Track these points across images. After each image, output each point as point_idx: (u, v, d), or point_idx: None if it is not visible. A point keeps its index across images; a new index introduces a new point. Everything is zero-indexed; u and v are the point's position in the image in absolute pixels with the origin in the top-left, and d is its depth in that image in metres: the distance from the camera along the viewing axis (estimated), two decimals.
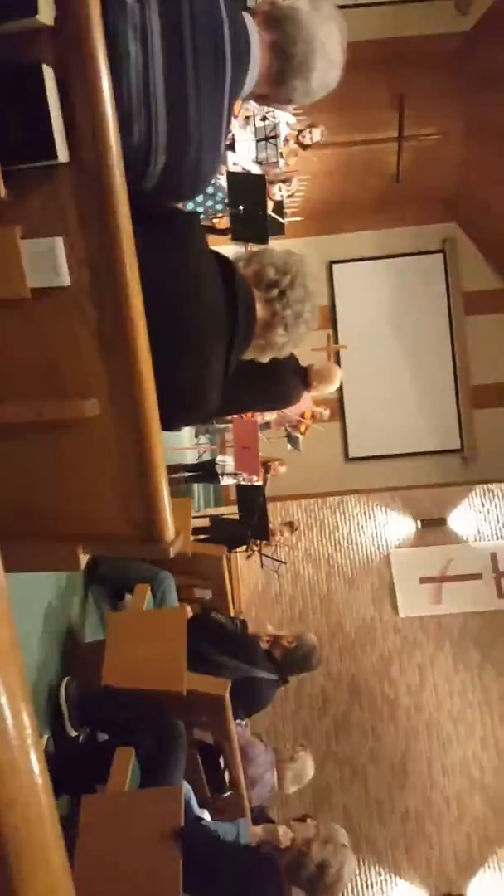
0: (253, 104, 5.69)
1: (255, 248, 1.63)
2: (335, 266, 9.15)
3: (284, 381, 4.00)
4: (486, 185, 8.26)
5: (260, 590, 7.77)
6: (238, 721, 2.75)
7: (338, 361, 8.99)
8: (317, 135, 6.09)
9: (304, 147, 6.11)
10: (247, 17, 1.25)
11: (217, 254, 1.44)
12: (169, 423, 1.37)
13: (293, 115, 7.25)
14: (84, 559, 1.14)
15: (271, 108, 5.93)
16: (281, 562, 6.18)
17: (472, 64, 7.97)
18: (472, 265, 9.01)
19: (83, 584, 3.12)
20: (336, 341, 8.96)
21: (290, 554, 7.89)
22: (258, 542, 5.92)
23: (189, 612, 2.84)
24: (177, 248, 1.32)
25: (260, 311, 1.47)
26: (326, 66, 1.30)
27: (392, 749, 7.21)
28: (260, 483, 5.58)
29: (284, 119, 5.93)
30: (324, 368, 4.05)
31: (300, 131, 6.04)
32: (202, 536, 5.96)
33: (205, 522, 6.49)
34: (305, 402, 6.82)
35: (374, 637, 7.60)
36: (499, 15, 7.58)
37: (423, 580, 7.85)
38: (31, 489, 1.16)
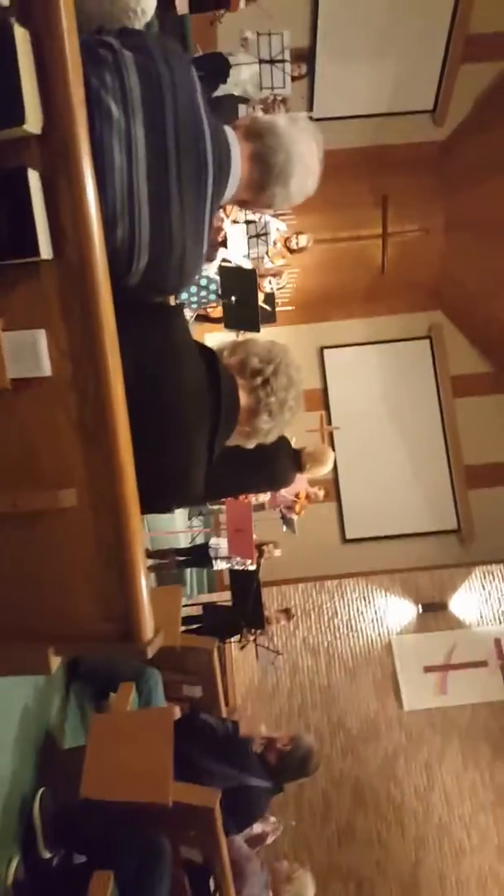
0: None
1: (240, 338, 1.66)
2: (326, 351, 9.39)
3: (277, 463, 4.00)
4: (467, 275, 8.63)
5: (256, 684, 7.46)
6: (229, 835, 2.53)
7: (332, 442, 9.06)
8: (303, 241, 6.44)
9: (291, 251, 6.41)
10: (228, 129, 1.34)
11: (200, 344, 1.48)
12: (152, 508, 1.37)
13: (283, 220, 7.70)
14: (56, 662, 1.07)
15: (262, 213, 6.28)
16: (277, 652, 5.96)
17: (449, 168, 8.56)
18: (458, 350, 9.26)
19: (64, 681, 2.94)
20: (329, 423, 9.07)
21: (287, 643, 7.64)
22: (253, 631, 5.73)
23: (177, 712, 2.68)
24: (160, 339, 1.35)
25: (244, 398, 1.50)
26: (304, 174, 1.38)
27: (401, 860, 6.70)
28: (254, 567, 5.47)
29: (275, 224, 6.25)
30: (317, 451, 4.05)
31: (288, 237, 6.35)
32: (194, 626, 5.78)
33: (198, 611, 6.32)
34: (300, 483, 6.81)
35: (378, 733, 7.24)
36: (470, 127, 8.26)
37: (428, 669, 7.58)
38: (1, 583, 1.11)
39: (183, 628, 5.65)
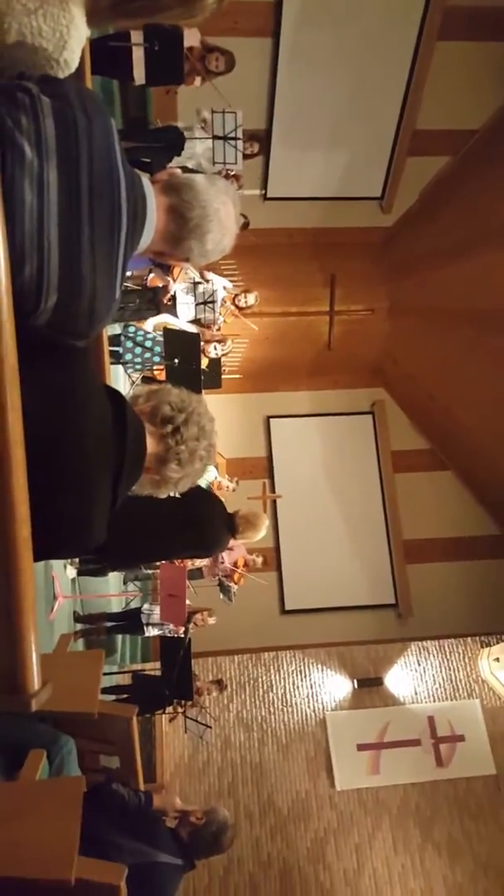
0: (191, 270, 6.17)
1: (155, 386, 1.65)
2: (272, 420, 9.51)
3: (210, 525, 3.94)
4: (409, 356, 9.01)
5: (186, 759, 7.10)
6: None
7: (274, 511, 9.07)
8: (251, 299, 6.58)
9: (240, 309, 6.56)
10: (145, 181, 1.39)
11: (109, 388, 1.47)
12: (47, 554, 1.34)
13: (231, 281, 7.93)
14: None
15: (210, 276, 6.44)
16: (206, 726, 5.70)
17: (395, 253, 9.05)
18: (399, 426, 9.52)
19: None
20: (273, 491, 9.09)
21: (220, 717, 7.35)
22: (182, 703, 5.49)
23: (84, 783, 2.49)
24: (65, 379, 1.34)
25: (153, 446, 1.49)
26: (221, 231, 1.44)
27: None
28: (185, 635, 5.29)
29: (221, 284, 6.41)
30: (250, 514, 4.02)
31: (236, 295, 6.52)
32: (123, 696, 5.51)
33: (129, 680, 6.04)
34: (239, 550, 6.74)
35: (309, 813, 6.95)
36: (415, 216, 8.79)
37: (361, 747, 7.39)
38: None
39: (111, 697, 5.40)
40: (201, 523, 3.94)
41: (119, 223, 1.27)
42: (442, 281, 8.31)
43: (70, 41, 1.27)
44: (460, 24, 7.46)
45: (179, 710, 5.65)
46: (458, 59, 7.67)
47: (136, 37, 4.88)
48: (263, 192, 8.46)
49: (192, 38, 5.26)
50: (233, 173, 6.11)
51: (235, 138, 5.80)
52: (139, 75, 4.93)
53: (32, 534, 1.14)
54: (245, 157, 6.12)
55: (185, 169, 5.91)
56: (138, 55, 4.88)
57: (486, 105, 7.89)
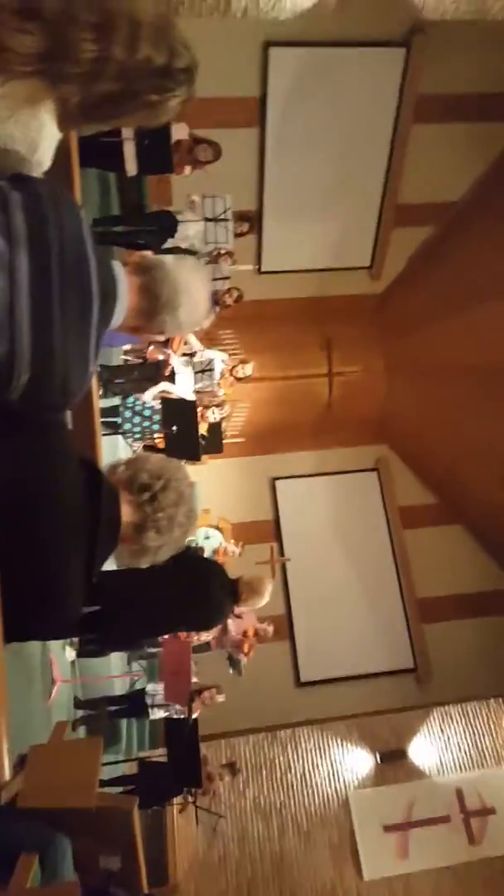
0: (193, 340, 6.31)
1: (133, 455, 1.65)
2: (277, 482, 9.46)
3: (210, 593, 3.82)
4: (408, 412, 9.06)
5: (201, 855, 6.65)
6: None
7: (284, 575, 8.90)
8: (248, 369, 6.71)
9: (238, 380, 6.68)
10: (115, 263, 1.46)
11: (84, 459, 1.49)
12: (25, 632, 1.36)
13: (230, 351, 8.08)
14: None
15: (208, 353, 6.59)
16: (218, 815, 5.37)
17: (386, 317, 9.29)
18: (404, 482, 9.46)
19: None
20: (282, 554, 8.94)
21: (235, 805, 6.95)
22: (192, 791, 5.18)
23: (78, 890, 2.31)
24: (37, 449, 1.36)
25: (130, 514, 1.48)
26: (192, 304, 1.53)
27: None
28: (192, 716, 5.05)
29: (219, 357, 6.54)
30: (253, 580, 3.89)
31: (233, 367, 6.64)
32: (128, 787, 5.21)
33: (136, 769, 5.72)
34: (248, 619, 6.54)
35: None
36: (404, 282, 9.06)
37: (388, 829, 6.95)
38: None
39: (117, 790, 5.10)
40: (201, 592, 3.83)
41: (90, 304, 1.32)
42: (433, 339, 8.46)
43: (41, 143, 1.33)
44: (434, 108, 7.91)
45: (189, 799, 5.33)
46: (433, 139, 8.11)
47: (127, 132, 5.16)
48: (257, 266, 8.73)
49: (180, 131, 5.57)
50: (224, 251, 6.35)
51: (226, 220, 6.06)
52: (131, 167, 5.19)
53: (4, 608, 1.11)
54: (236, 235, 6.38)
55: (179, 249, 6.16)
56: (129, 149, 5.14)
57: (462, 179, 8.31)
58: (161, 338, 1.66)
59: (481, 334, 7.82)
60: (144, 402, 5.39)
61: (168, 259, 1.53)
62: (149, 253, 1.61)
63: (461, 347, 8.11)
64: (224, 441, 7.14)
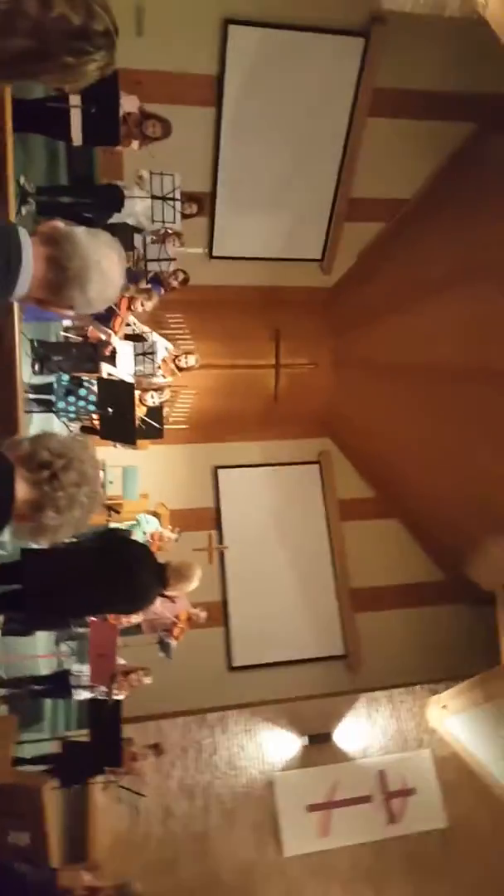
0: (133, 320, 6.22)
1: (36, 433, 1.63)
2: (220, 471, 9.46)
3: (138, 577, 3.83)
4: (352, 407, 9.18)
5: (124, 834, 6.69)
6: None
7: (222, 563, 8.94)
8: (192, 360, 6.68)
9: (181, 370, 6.64)
10: (22, 231, 1.42)
11: None
12: None
13: (178, 341, 8.02)
14: None
15: (153, 336, 6.51)
16: (140, 794, 5.41)
17: (335, 311, 9.36)
18: (345, 475, 9.60)
19: None
20: (221, 542, 8.97)
21: (161, 785, 7.00)
22: (115, 770, 5.20)
23: None
24: None
25: (26, 491, 1.46)
26: (103, 282, 1.48)
27: None
28: (117, 697, 5.06)
29: (163, 345, 6.48)
30: (181, 565, 3.92)
31: (177, 356, 6.59)
32: (51, 766, 5.19)
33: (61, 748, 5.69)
34: (182, 603, 6.56)
35: (255, 888, 6.58)
36: (354, 277, 9.15)
37: (311, 808, 7.14)
38: None
39: (40, 768, 5.07)
40: (128, 575, 3.82)
41: None
42: (380, 335, 8.59)
43: None
44: (389, 102, 7.97)
45: (112, 778, 5.35)
46: (388, 135, 8.17)
47: (74, 99, 5.03)
48: (207, 250, 8.66)
49: (130, 103, 5.47)
50: (172, 232, 6.28)
51: (174, 199, 5.99)
52: (76, 136, 5.07)
53: None
54: (184, 216, 6.31)
55: (124, 226, 6.06)
56: (76, 117, 5.02)
57: (416, 176, 8.45)
58: (71, 313, 1.63)
59: (426, 333, 7.99)
60: (81, 381, 5.30)
61: (80, 231, 1.48)
62: (61, 223, 1.56)
63: (407, 345, 8.26)
64: (166, 427, 7.11)
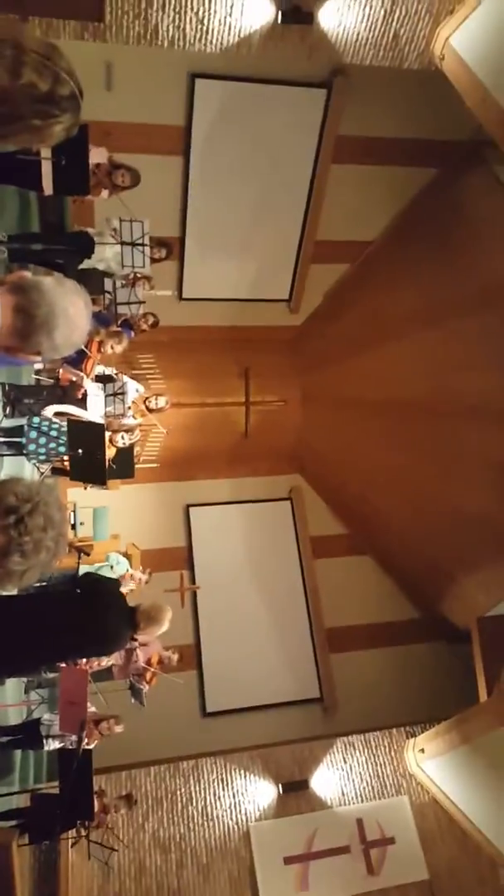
0: (101, 368, 6.25)
1: (2, 478, 1.63)
2: (192, 509, 9.41)
3: (107, 621, 3.76)
4: (322, 444, 9.29)
5: (96, 891, 6.40)
6: None
7: (194, 603, 8.82)
8: (162, 402, 6.73)
9: (151, 411, 6.68)
10: None
11: None
12: None
13: (148, 383, 8.06)
14: None
15: (123, 378, 6.55)
16: (111, 849, 5.20)
17: (304, 349, 9.54)
18: (317, 512, 9.62)
19: None
20: (193, 582, 8.88)
21: (134, 838, 6.74)
22: (85, 824, 5.01)
23: None
24: None
25: None
26: (69, 328, 1.52)
27: None
28: (89, 746, 4.90)
29: (133, 386, 6.52)
30: (152, 609, 3.86)
31: (147, 398, 6.63)
32: (20, 821, 4.99)
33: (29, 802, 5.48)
34: (154, 646, 6.44)
35: None
36: (320, 316, 9.38)
37: (288, 860, 6.90)
38: None
39: (2, 823, 4.87)
40: (97, 619, 3.76)
41: None
42: (348, 373, 8.76)
43: None
44: (352, 149, 8.28)
45: (82, 833, 5.14)
46: (352, 180, 8.47)
47: (45, 151, 5.15)
48: (177, 293, 8.80)
49: (99, 155, 5.62)
50: (141, 276, 6.39)
51: (143, 244, 6.11)
52: (47, 186, 5.17)
53: None
54: (153, 260, 6.44)
55: (95, 271, 6.15)
56: (47, 168, 5.13)
57: (378, 220, 8.76)
58: (38, 359, 1.66)
59: (395, 370, 8.18)
60: (52, 423, 5.28)
61: (47, 280, 1.52)
62: (27, 273, 1.59)
63: (375, 382, 8.44)
64: (137, 466, 7.09)
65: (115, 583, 4.58)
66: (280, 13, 5.30)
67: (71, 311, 1.50)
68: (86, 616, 3.70)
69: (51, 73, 1.32)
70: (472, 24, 5.32)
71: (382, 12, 5.45)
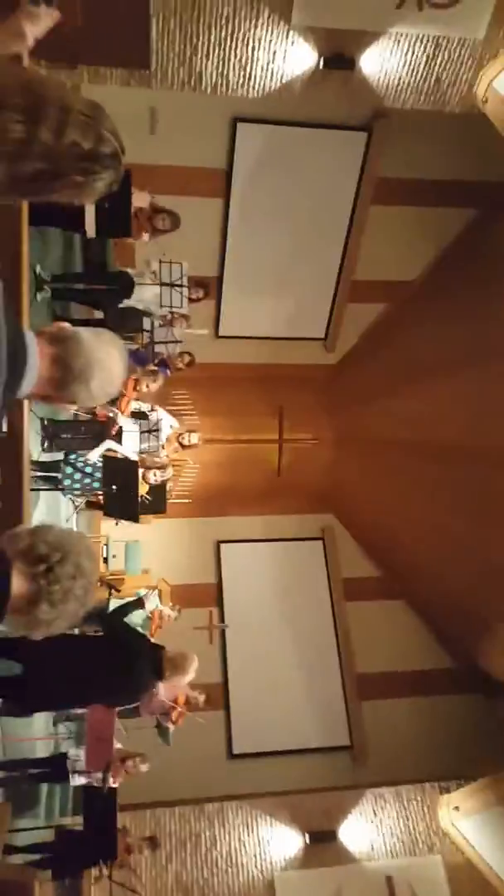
0: (137, 404, 6.36)
1: (35, 525, 1.66)
2: (223, 545, 9.39)
3: (133, 671, 3.76)
4: (355, 484, 9.20)
5: None
6: None
7: (223, 641, 8.74)
8: (194, 438, 6.81)
9: (184, 447, 6.76)
10: (28, 332, 1.51)
11: None
12: None
13: (182, 418, 8.16)
14: None
15: (156, 408, 6.65)
16: (135, 892, 5.09)
17: (338, 388, 9.56)
18: (349, 553, 9.50)
19: None
20: (222, 620, 8.80)
21: (157, 879, 6.59)
22: (108, 863, 4.94)
23: None
24: None
25: (21, 585, 1.47)
26: (105, 378, 1.57)
27: None
28: (114, 785, 4.85)
29: (168, 422, 6.61)
30: (178, 657, 3.84)
31: (180, 434, 6.72)
32: (41, 856, 4.94)
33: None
34: (181, 686, 6.37)
35: None
36: (356, 356, 9.38)
37: None
38: None
39: (26, 857, 4.82)
40: (125, 668, 3.76)
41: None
42: (382, 413, 8.71)
43: None
44: (391, 191, 8.38)
45: (105, 872, 5.06)
46: (390, 220, 8.56)
47: None
48: (214, 331, 8.94)
49: (141, 199, 5.81)
50: (179, 315, 6.54)
51: (181, 285, 6.27)
52: (90, 229, 5.36)
53: None
54: (191, 301, 6.58)
55: (134, 310, 6.30)
56: (90, 212, 5.32)
57: (415, 261, 8.78)
58: (73, 407, 1.70)
59: (427, 413, 8.10)
60: (87, 460, 5.38)
61: (84, 332, 1.57)
62: (66, 325, 1.64)
63: (408, 424, 8.36)
64: (169, 501, 7.13)
65: (142, 636, 4.57)
66: (322, 59, 5.40)
67: (107, 362, 1.55)
68: (113, 667, 3.72)
69: (94, 132, 1.38)
70: None
71: (425, 58, 5.52)
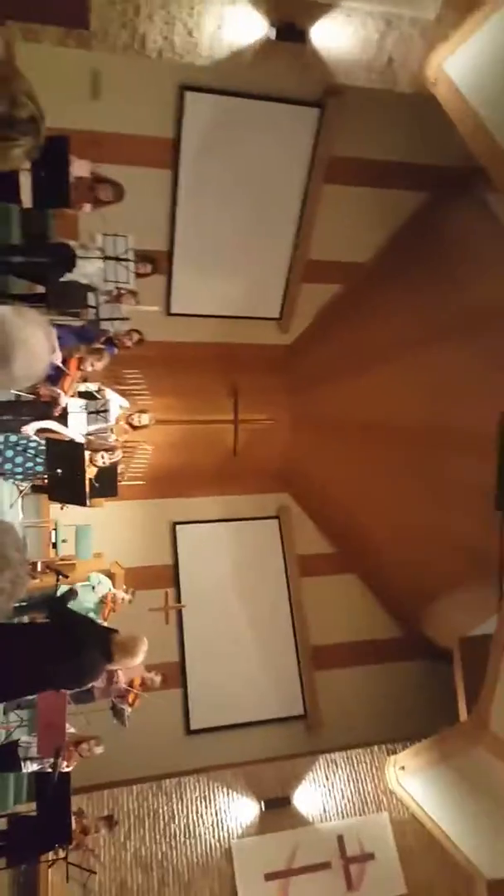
0: (85, 385, 6.19)
1: None
2: (178, 526, 9.35)
3: (81, 655, 3.71)
4: (310, 463, 9.26)
5: None
6: None
7: (180, 621, 8.77)
8: (145, 419, 6.65)
9: (134, 428, 6.61)
10: None
11: None
12: None
13: (133, 395, 8.00)
14: None
15: (104, 388, 6.48)
16: (90, 871, 5.15)
17: (294, 368, 9.54)
18: (304, 530, 9.60)
19: None
20: (179, 601, 8.81)
21: (116, 858, 6.69)
22: (63, 846, 4.97)
23: None
24: None
25: None
26: (28, 358, 1.50)
27: None
28: (64, 769, 4.86)
29: (118, 402, 6.43)
30: (127, 640, 3.80)
31: (130, 414, 6.56)
32: None
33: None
34: (136, 669, 6.38)
35: None
36: (311, 336, 9.36)
37: (269, 876, 6.91)
38: None
39: None
40: (70, 652, 3.71)
41: None
42: (337, 394, 8.75)
43: None
44: (345, 171, 8.27)
45: (60, 854, 5.10)
46: (344, 201, 8.46)
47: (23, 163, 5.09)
48: (165, 308, 8.73)
49: (81, 168, 5.56)
50: (126, 291, 6.33)
51: (127, 259, 6.06)
52: (26, 199, 5.12)
53: None
54: (138, 276, 6.37)
55: (78, 285, 6.08)
56: (26, 181, 5.08)
57: (369, 242, 8.75)
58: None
59: (381, 393, 8.17)
60: (29, 441, 5.22)
61: (5, 310, 1.50)
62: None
63: (363, 404, 8.42)
64: (122, 483, 7.03)
65: (90, 620, 4.52)
66: (274, 30, 5.23)
67: (30, 342, 1.48)
68: (59, 653, 3.66)
69: (7, 96, 1.30)
70: (467, 52, 5.29)
71: (377, 35, 5.42)
